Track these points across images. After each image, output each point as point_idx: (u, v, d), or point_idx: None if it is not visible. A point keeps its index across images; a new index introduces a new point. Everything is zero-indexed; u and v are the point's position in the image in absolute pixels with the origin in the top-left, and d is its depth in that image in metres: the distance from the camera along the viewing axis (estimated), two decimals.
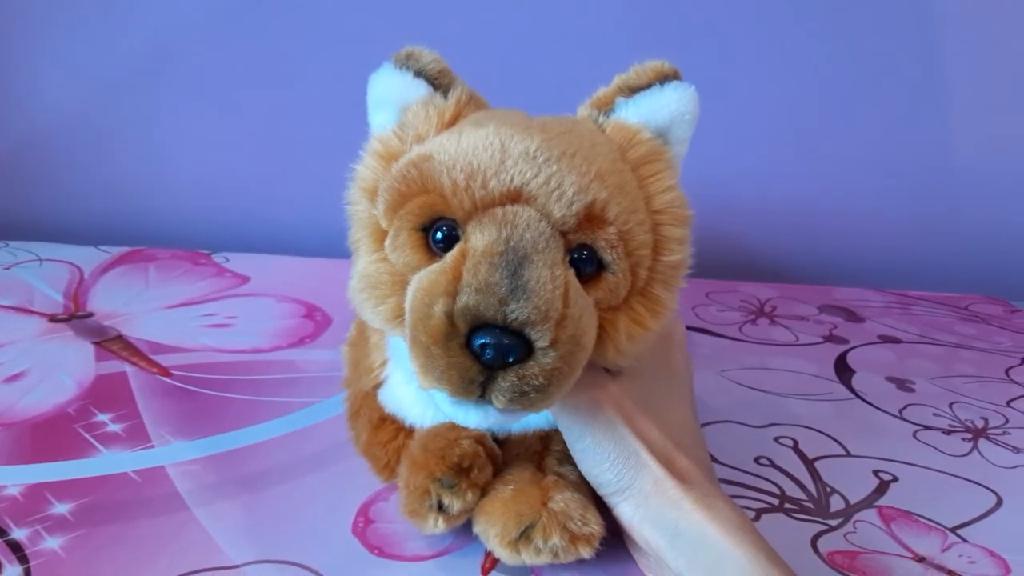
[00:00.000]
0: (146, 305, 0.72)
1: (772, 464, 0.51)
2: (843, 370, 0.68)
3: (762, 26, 0.91)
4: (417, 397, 0.43)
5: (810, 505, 0.47)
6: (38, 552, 0.40)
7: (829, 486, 0.49)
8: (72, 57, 0.95)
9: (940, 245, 1.01)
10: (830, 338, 0.76)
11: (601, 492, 0.38)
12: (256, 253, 0.88)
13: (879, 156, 0.97)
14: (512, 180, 0.32)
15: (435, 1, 0.90)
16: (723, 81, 0.93)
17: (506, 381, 0.30)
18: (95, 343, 0.64)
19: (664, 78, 0.36)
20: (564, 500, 0.37)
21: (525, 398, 0.30)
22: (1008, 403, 0.63)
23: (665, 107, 0.36)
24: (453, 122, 0.36)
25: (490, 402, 0.31)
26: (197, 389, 0.58)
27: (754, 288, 0.89)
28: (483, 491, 0.39)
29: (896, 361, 0.71)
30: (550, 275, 0.31)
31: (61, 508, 0.44)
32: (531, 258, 0.31)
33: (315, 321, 0.71)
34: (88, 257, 0.84)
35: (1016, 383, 0.67)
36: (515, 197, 0.32)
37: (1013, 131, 0.95)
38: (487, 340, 0.29)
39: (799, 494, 0.48)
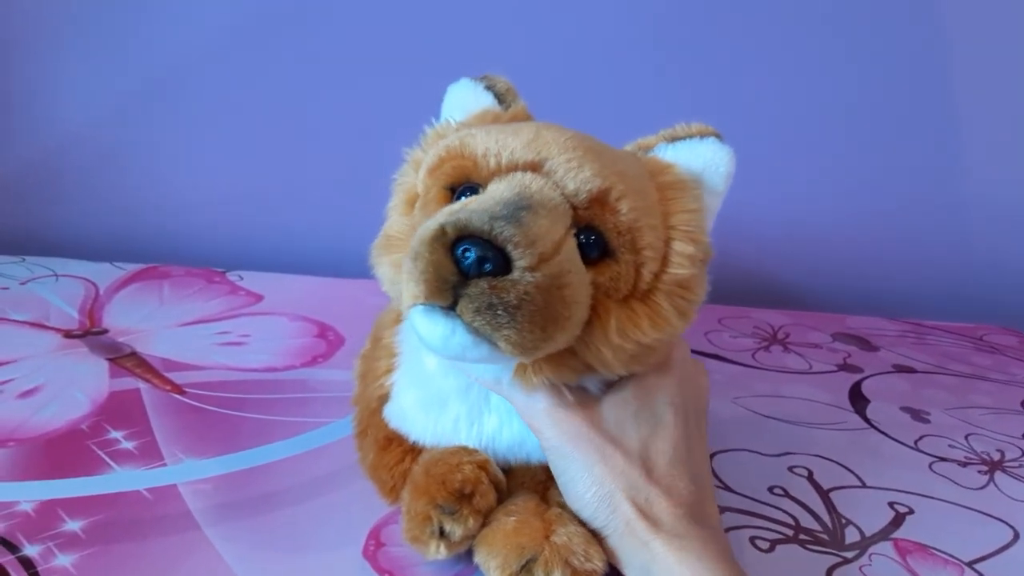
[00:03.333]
0: (160, 322, 0.73)
1: (786, 494, 0.51)
2: (858, 399, 0.67)
3: (775, 55, 0.92)
4: (420, 410, 0.43)
5: (825, 536, 0.46)
6: (50, 569, 0.40)
7: (844, 517, 0.49)
8: (89, 78, 0.96)
9: (954, 274, 1.00)
10: (844, 367, 0.75)
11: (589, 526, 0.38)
12: (270, 272, 0.88)
13: (892, 184, 0.97)
14: (538, 153, 0.35)
15: (444, 26, 0.91)
16: (736, 109, 0.93)
17: (478, 287, 0.31)
18: (109, 359, 0.64)
19: (705, 135, 0.39)
20: (567, 534, 0.37)
21: (492, 312, 0.31)
22: None
23: (700, 156, 0.38)
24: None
25: (460, 315, 0.31)
26: (210, 407, 0.58)
27: (767, 315, 0.89)
28: (486, 517, 0.39)
29: (911, 391, 0.70)
30: (548, 224, 0.32)
31: (73, 525, 0.44)
32: (535, 208, 0.33)
33: (328, 340, 0.71)
34: (103, 273, 0.84)
35: None
36: (536, 167, 0.35)
37: None
38: (469, 246, 0.31)
39: (814, 525, 0.48)
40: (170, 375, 0.62)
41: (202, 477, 0.49)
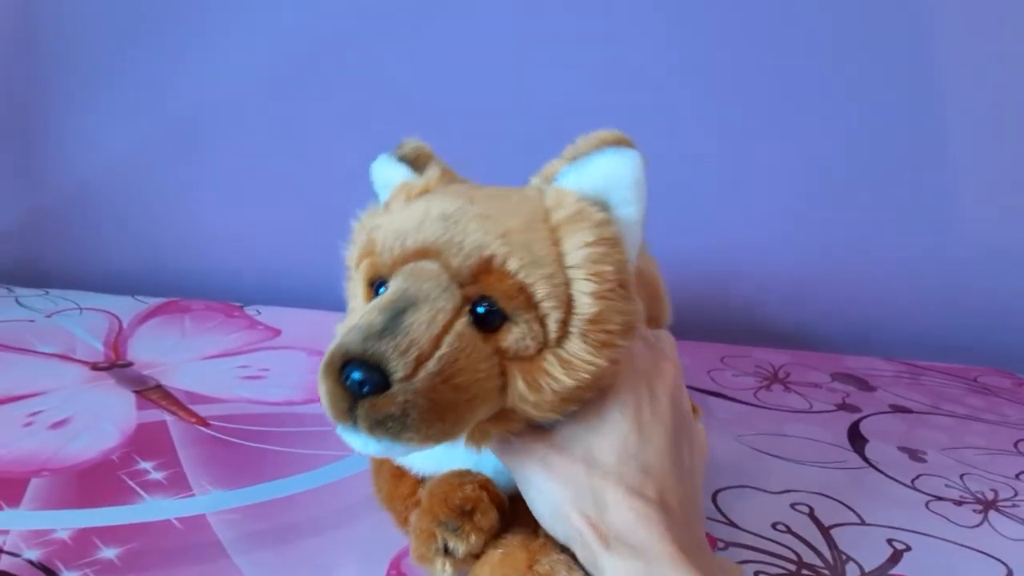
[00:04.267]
0: (183, 355, 0.75)
1: (789, 530, 0.53)
2: (856, 438, 0.70)
3: (771, 101, 0.95)
4: None
5: (826, 572, 0.49)
6: None
7: (845, 554, 0.51)
8: (116, 118, 1.00)
9: (948, 316, 1.03)
10: (843, 406, 0.78)
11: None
12: (286, 307, 0.91)
13: (888, 227, 1.00)
14: (424, 239, 0.36)
15: (468, 71, 0.95)
16: (737, 152, 0.97)
17: (363, 409, 0.33)
18: (135, 392, 0.66)
19: (605, 145, 0.37)
20: (550, 563, 0.38)
21: (382, 427, 0.33)
22: (1017, 476, 0.65)
23: (600, 173, 0.37)
24: (425, 194, 0.41)
25: (361, 431, 0.33)
26: (234, 439, 0.60)
27: (767, 354, 0.91)
28: (489, 535, 0.40)
29: (908, 431, 0.73)
30: (429, 319, 0.34)
31: (109, 553, 0.46)
32: (418, 305, 0.34)
33: None
34: (125, 307, 0.87)
35: None
36: (425, 253, 0.36)
37: (1021, 206, 0.98)
38: (351, 372, 0.33)
39: (816, 560, 0.50)
40: (195, 407, 0.64)
41: (230, 507, 0.51)
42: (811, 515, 0.55)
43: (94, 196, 1.03)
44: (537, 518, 0.38)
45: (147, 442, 0.58)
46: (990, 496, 0.61)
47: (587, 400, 0.37)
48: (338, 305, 0.93)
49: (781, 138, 0.97)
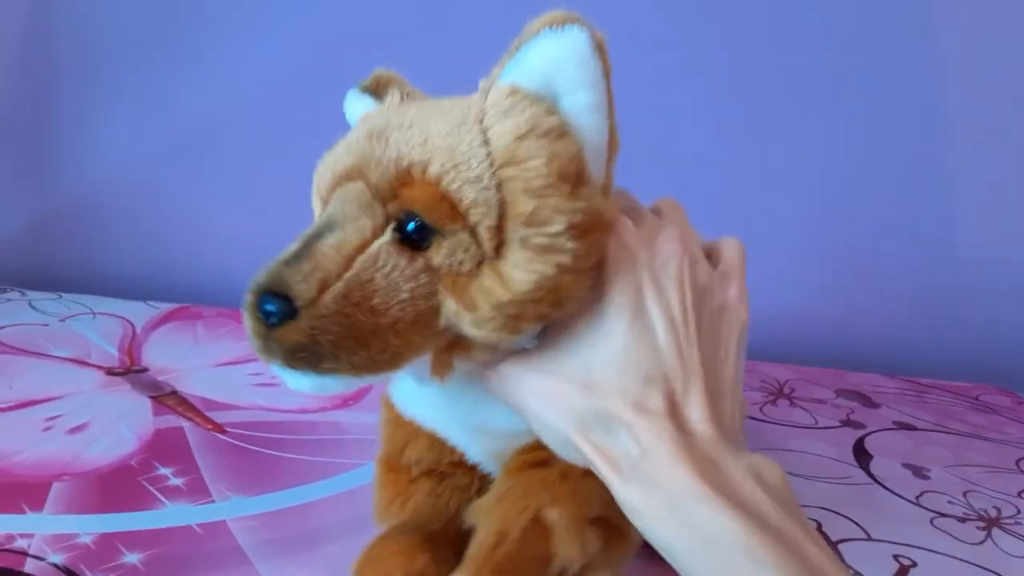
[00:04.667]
0: (197, 362, 0.76)
1: None
2: (861, 455, 0.71)
3: (773, 117, 0.97)
4: (418, 393, 0.43)
5: None
6: None
7: (852, 569, 0.52)
8: (129, 123, 1.01)
9: (949, 334, 1.04)
10: (848, 422, 0.79)
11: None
12: None
13: (891, 245, 1.01)
14: (350, 162, 0.35)
15: (461, 76, 0.96)
16: (735, 171, 0.98)
17: (273, 342, 0.31)
18: (151, 397, 0.67)
19: (545, 27, 0.33)
20: None
21: (295, 358, 0.31)
22: (1019, 494, 0.66)
23: (541, 59, 0.33)
24: None
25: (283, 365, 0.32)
26: (251, 447, 0.61)
27: (773, 369, 0.92)
28: None
29: (912, 448, 0.74)
30: (341, 241, 0.32)
31: (132, 558, 0.46)
32: (334, 228, 0.33)
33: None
34: (138, 312, 0.88)
35: None
36: (351, 175, 0.35)
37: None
38: (262, 302, 0.31)
39: None
40: (210, 414, 0.65)
41: (249, 514, 0.52)
42: (819, 530, 0.56)
43: (106, 201, 1.04)
44: (548, 445, 0.35)
45: (165, 448, 0.59)
46: (993, 514, 0.62)
47: (564, 314, 0.33)
48: None
49: (784, 156, 0.98)
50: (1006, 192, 0.99)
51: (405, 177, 0.32)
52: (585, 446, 0.32)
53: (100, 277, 1.04)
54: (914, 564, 0.53)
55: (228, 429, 0.63)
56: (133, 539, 0.48)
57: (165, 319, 0.87)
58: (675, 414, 0.32)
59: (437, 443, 0.44)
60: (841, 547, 0.54)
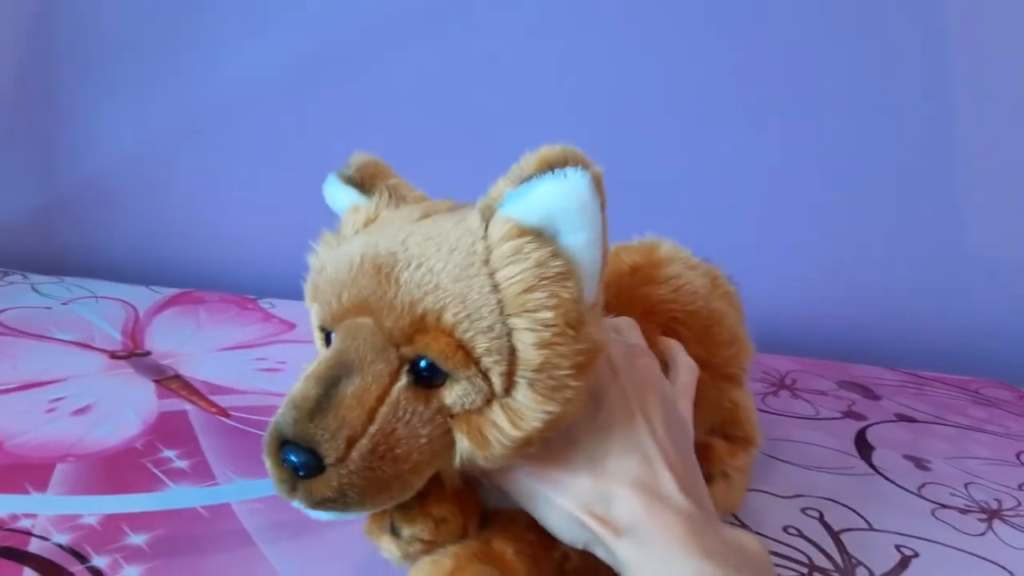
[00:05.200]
0: (200, 346, 0.76)
1: (800, 534, 0.54)
2: (863, 446, 0.71)
3: (781, 103, 0.97)
4: None
5: (837, 575, 0.50)
6: None
7: (855, 558, 0.52)
8: (133, 110, 1.01)
9: (950, 327, 1.04)
10: (849, 414, 0.79)
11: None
12: (299, 301, 0.91)
13: (893, 237, 1.01)
14: (358, 294, 0.35)
15: (484, 71, 0.96)
16: (743, 161, 0.98)
17: (300, 492, 0.33)
18: (155, 381, 0.67)
19: (549, 166, 0.33)
20: (472, 572, 0.38)
21: (324, 506, 0.33)
22: (1020, 486, 0.66)
23: (543, 200, 0.33)
24: (370, 223, 0.40)
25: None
26: (254, 431, 0.61)
27: (775, 360, 0.92)
28: (439, 526, 0.40)
29: (913, 440, 0.74)
30: (361, 391, 0.33)
31: (137, 539, 0.46)
32: (352, 372, 0.34)
33: None
34: (140, 296, 0.88)
35: None
36: (360, 310, 0.35)
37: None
38: (287, 454, 0.33)
39: (827, 564, 0.51)
40: (214, 398, 0.65)
41: (254, 497, 0.52)
42: (821, 519, 0.57)
43: (109, 186, 1.04)
44: (551, 531, 0.38)
45: (169, 431, 0.59)
46: (994, 506, 0.62)
47: (562, 427, 0.36)
48: None
49: (783, 148, 0.98)
50: (1008, 188, 0.99)
51: (419, 324, 0.33)
52: (588, 518, 0.36)
53: (102, 262, 1.04)
54: (916, 554, 0.53)
55: (232, 413, 0.63)
56: (138, 520, 0.48)
57: (167, 304, 0.87)
58: (660, 489, 0.37)
59: None
60: (843, 536, 0.55)
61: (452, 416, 0.35)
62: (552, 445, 0.37)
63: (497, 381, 0.33)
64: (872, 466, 0.67)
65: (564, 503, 0.37)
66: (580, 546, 0.38)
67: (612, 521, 0.36)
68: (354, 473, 0.32)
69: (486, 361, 0.33)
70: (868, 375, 0.92)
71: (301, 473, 0.32)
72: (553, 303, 0.33)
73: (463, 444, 0.35)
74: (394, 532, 0.40)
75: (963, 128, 0.96)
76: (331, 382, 0.34)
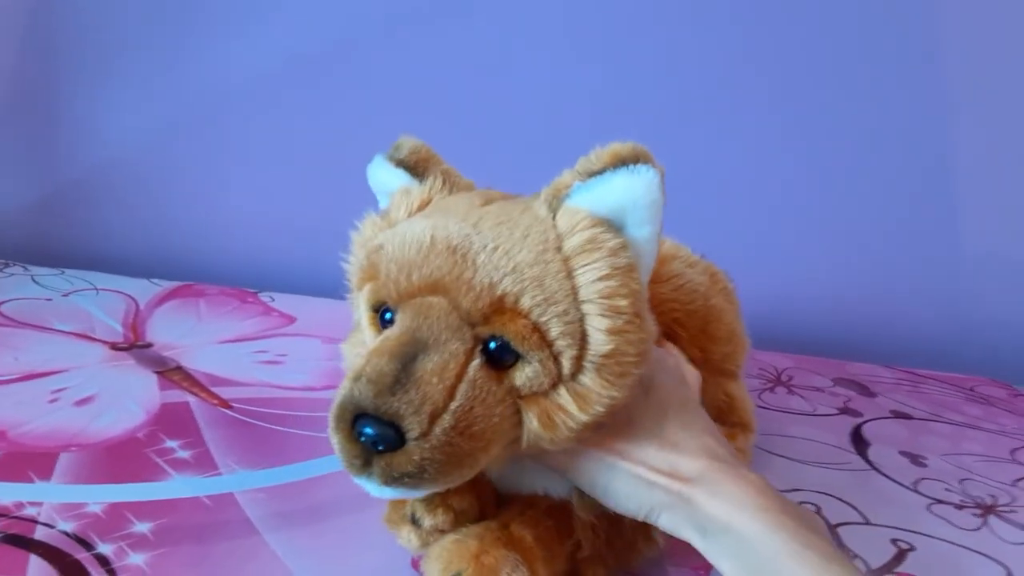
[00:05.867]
0: (201, 339, 0.76)
1: None
2: (859, 442, 0.72)
3: (778, 99, 0.97)
4: None
5: None
6: (125, 567, 0.43)
7: (851, 551, 0.53)
8: (134, 102, 1.01)
9: (946, 326, 1.05)
10: (845, 410, 0.79)
11: (640, 519, 0.39)
12: (299, 295, 0.92)
13: (890, 240, 1.02)
14: (431, 274, 0.35)
15: (484, 66, 0.96)
16: (741, 157, 0.98)
17: (379, 466, 0.33)
18: (157, 372, 0.67)
19: (621, 162, 0.35)
20: (497, 556, 0.38)
21: (398, 482, 0.33)
22: (1014, 483, 0.67)
23: (615, 194, 0.35)
24: (424, 207, 0.40)
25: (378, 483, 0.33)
26: (256, 422, 0.61)
27: (772, 357, 0.93)
28: (458, 515, 0.41)
29: (909, 437, 0.75)
30: (441, 367, 0.33)
31: (142, 527, 0.47)
32: (429, 350, 0.34)
33: None
34: (141, 289, 0.88)
35: (1021, 464, 0.71)
36: (433, 289, 0.35)
37: (1020, 219, 1.01)
38: (364, 428, 0.33)
39: None
40: (216, 390, 0.65)
41: (256, 487, 0.52)
42: (818, 513, 0.57)
43: (109, 178, 1.04)
44: (612, 506, 0.39)
45: (171, 422, 0.59)
46: (989, 501, 0.63)
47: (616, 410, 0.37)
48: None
49: (782, 145, 0.98)
50: (1004, 188, 0.99)
51: (497, 305, 0.34)
52: (655, 476, 0.38)
53: (102, 255, 1.04)
54: (912, 548, 0.54)
55: (234, 404, 0.63)
56: (142, 509, 0.48)
57: (168, 296, 0.87)
58: (722, 455, 0.39)
59: None
60: (840, 530, 0.55)
61: (521, 397, 0.35)
62: (610, 426, 0.38)
63: (567, 364, 0.35)
64: (868, 462, 0.68)
65: (630, 466, 0.38)
66: (643, 515, 0.38)
67: (681, 474, 0.37)
68: (436, 448, 0.32)
69: (559, 344, 0.34)
70: (864, 372, 0.92)
71: (380, 447, 0.32)
72: (625, 292, 0.35)
73: (532, 425, 0.35)
74: (415, 522, 0.40)
75: (957, 127, 0.97)
76: (407, 358, 0.34)
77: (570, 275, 0.35)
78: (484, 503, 0.43)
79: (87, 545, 0.44)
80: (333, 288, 0.99)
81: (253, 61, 0.99)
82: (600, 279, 0.34)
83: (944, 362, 1.01)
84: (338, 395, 0.35)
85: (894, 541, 0.55)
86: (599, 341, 0.35)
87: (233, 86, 1.00)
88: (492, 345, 0.35)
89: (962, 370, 0.98)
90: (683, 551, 0.49)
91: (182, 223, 1.04)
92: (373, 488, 0.34)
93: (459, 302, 0.34)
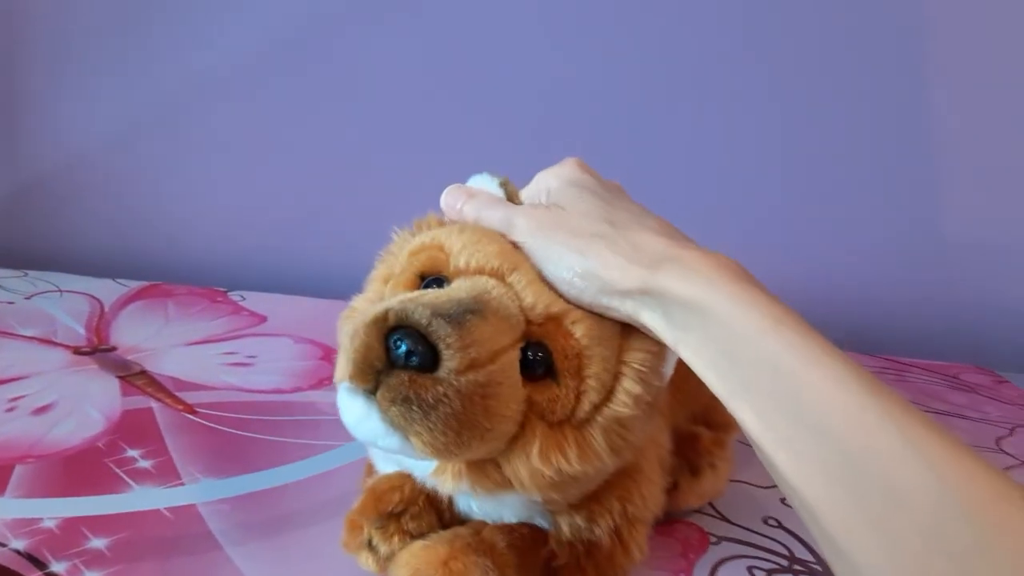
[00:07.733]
0: (167, 341, 0.74)
1: (780, 525, 0.53)
2: None
3: (760, 91, 0.96)
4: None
5: (818, 567, 0.49)
6: None
7: None
8: (96, 100, 0.98)
9: (929, 313, 1.04)
10: None
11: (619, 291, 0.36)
12: (270, 293, 0.90)
13: (873, 227, 1.01)
14: (508, 263, 0.36)
15: (448, 57, 0.94)
16: (732, 153, 0.97)
17: (398, 378, 0.31)
18: (119, 377, 0.65)
19: None
20: (466, 563, 0.37)
21: (406, 406, 0.31)
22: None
23: None
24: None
25: (378, 402, 0.31)
26: (222, 428, 0.59)
27: None
28: (416, 539, 0.40)
29: None
30: (492, 332, 0.33)
31: (98, 543, 0.45)
32: (485, 314, 0.33)
33: (333, 363, 0.72)
34: (106, 290, 0.85)
35: (1007, 454, 0.70)
36: (501, 275, 0.35)
37: (1002, 206, 1.00)
38: (402, 336, 0.31)
39: (808, 556, 0.50)
40: (181, 394, 0.63)
41: (220, 497, 0.50)
42: None
43: (74, 178, 1.01)
44: (570, 296, 0.36)
45: (133, 429, 0.57)
46: None
47: None
48: (323, 292, 0.92)
49: (766, 134, 0.97)
50: (986, 175, 0.98)
51: (556, 317, 0.35)
52: (613, 258, 0.35)
53: (67, 255, 1.01)
54: None
55: (199, 410, 0.61)
56: (99, 523, 0.46)
57: (135, 297, 0.85)
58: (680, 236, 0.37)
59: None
60: None
61: (533, 413, 0.35)
62: (565, 217, 0.37)
63: (585, 408, 0.35)
64: None
65: (592, 251, 0.35)
66: (602, 306, 0.35)
67: (642, 256, 0.34)
68: (459, 392, 0.31)
69: (589, 383, 0.35)
70: None
71: (413, 360, 0.31)
72: (658, 377, 0.37)
73: (533, 452, 0.34)
74: (371, 548, 0.40)
75: (940, 115, 0.96)
76: (468, 307, 0.33)
77: (623, 334, 0.36)
78: (446, 527, 0.41)
79: (40, 564, 0.42)
80: (304, 286, 0.97)
81: (220, 57, 0.96)
82: (644, 351, 0.36)
83: (928, 349, 1.00)
84: (380, 306, 0.33)
85: None
86: (622, 403, 0.35)
87: (199, 85, 0.97)
88: (530, 352, 0.35)
89: (946, 357, 0.97)
90: (662, 557, 0.48)
91: (149, 222, 1.01)
92: (360, 408, 0.32)
93: (525, 295, 0.35)
